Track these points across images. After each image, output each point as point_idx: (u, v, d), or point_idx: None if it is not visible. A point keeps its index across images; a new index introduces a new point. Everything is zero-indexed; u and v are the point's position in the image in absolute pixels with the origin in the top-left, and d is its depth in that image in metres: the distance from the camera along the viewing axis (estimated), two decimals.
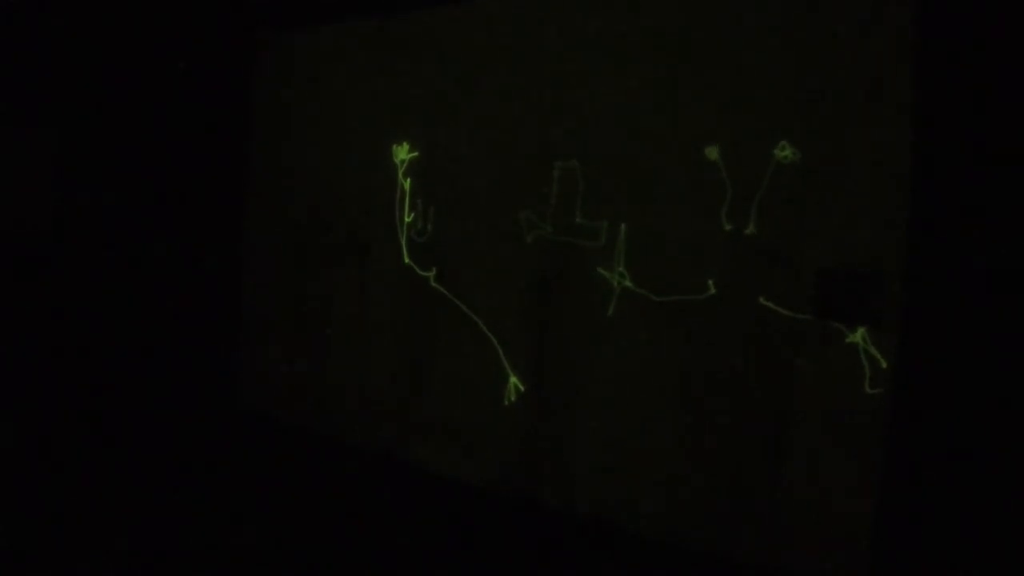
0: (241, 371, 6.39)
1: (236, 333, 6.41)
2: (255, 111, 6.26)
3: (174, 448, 5.83)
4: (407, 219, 5.21)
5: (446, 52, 5.02)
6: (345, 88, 5.62)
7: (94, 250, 6.67)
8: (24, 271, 6.55)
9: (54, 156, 6.57)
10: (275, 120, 6.13)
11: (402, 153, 5.23)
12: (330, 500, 5.12)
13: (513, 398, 4.69)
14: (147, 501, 4.89)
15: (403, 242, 5.23)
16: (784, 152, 3.68)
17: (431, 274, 5.09)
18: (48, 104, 6.51)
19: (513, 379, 4.69)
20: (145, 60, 6.54)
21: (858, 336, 3.49)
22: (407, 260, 5.21)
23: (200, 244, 6.52)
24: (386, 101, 5.35)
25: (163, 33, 6.46)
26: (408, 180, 5.20)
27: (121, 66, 6.55)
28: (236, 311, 6.41)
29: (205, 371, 6.50)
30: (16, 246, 6.53)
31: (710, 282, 3.95)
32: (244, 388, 6.38)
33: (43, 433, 5.87)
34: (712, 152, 3.92)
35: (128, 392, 6.56)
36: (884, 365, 3.43)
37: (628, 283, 4.23)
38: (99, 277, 6.67)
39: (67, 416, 6.21)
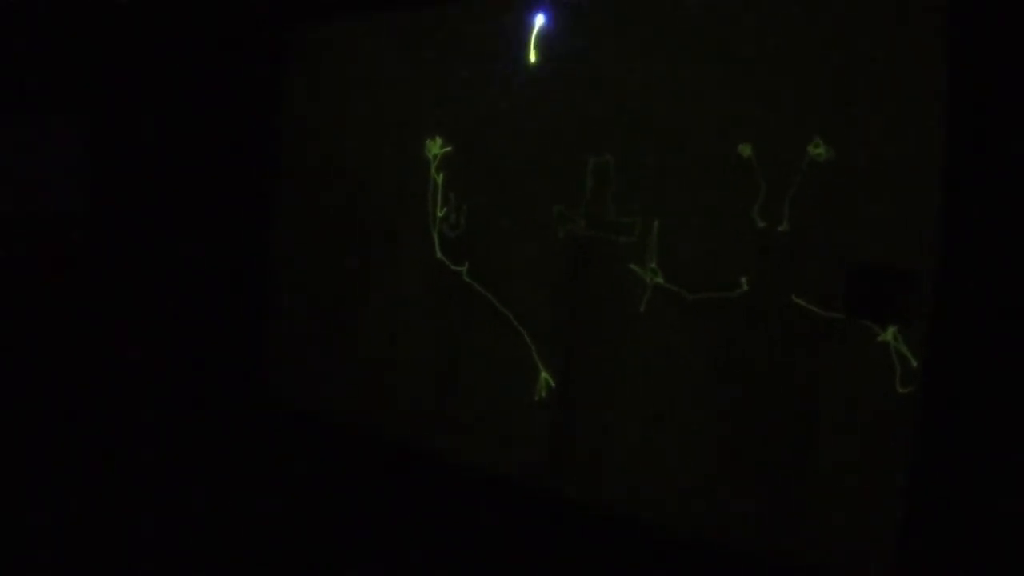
0: (271, 362, 6.48)
1: (266, 324, 6.49)
2: (286, 103, 6.33)
3: (202, 438, 5.92)
4: (440, 213, 5.26)
5: (479, 45, 5.06)
6: (377, 81, 5.67)
7: (125, 240, 6.76)
8: (58, 258, 6.65)
9: (87, 146, 6.67)
10: (306, 113, 6.20)
11: (435, 147, 5.27)
12: (359, 491, 5.17)
13: (544, 394, 4.72)
14: (174, 491, 4.96)
15: (435, 236, 5.28)
16: (818, 149, 3.70)
17: (463, 268, 5.13)
18: (82, 95, 6.60)
19: (544, 374, 4.72)
20: (177, 52, 6.61)
21: (889, 335, 3.51)
22: (439, 254, 5.26)
23: (230, 236, 6.59)
24: (419, 94, 5.40)
25: (194, 26, 6.53)
26: (441, 174, 5.25)
27: (153, 57, 6.63)
28: (266, 303, 6.49)
29: (235, 362, 6.58)
30: (51, 233, 6.63)
31: (743, 279, 3.97)
32: (274, 379, 6.46)
33: (66, 423, 5.95)
34: (745, 149, 3.94)
35: (157, 381, 6.65)
36: (915, 364, 3.45)
37: (660, 279, 4.26)
38: (130, 267, 6.76)
39: (93, 406, 6.29)
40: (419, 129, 5.37)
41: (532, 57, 4.75)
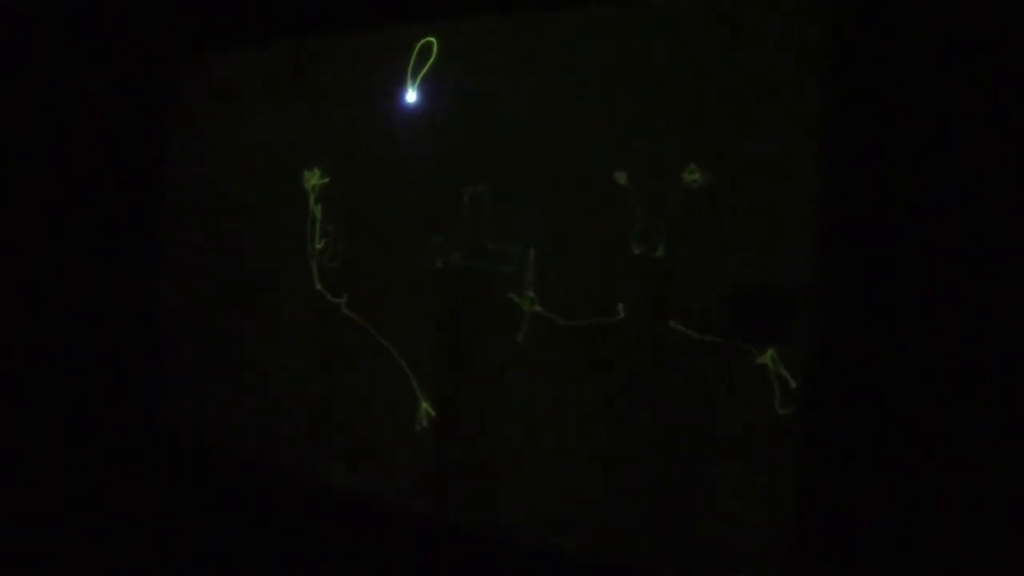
0: (158, 395, 6.11)
1: (152, 357, 6.14)
2: (172, 134, 6.02)
3: (88, 472, 5.62)
4: (318, 245, 5.05)
5: (358, 76, 4.91)
6: (258, 111, 5.44)
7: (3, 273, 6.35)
8: None
9: None
10: (192, 144, 5.90)
11: (314, 179, 5.08)
12: (244, 524, 4.98)
13: (425, 424, 4.55)
14: (60, 526, 4.68)
15: (314, 268, 5.08)
16: (693, 175, 3.63)
17: (342, 300, 4.93)
18: None
19: (424, 405, 4.55)
20: (59, 78, 6.26)
21: (767, 357, 3.45)
22: (318, 286, 5.05)
23: (113, 267, 6.24)
24: (299, 125, 5.20)
25: (78, 52, 6.19)
26: (319, 206, 5.06)
27: (33, 83, 6.26)
28: (152, 335, 6.14)
29: (121, 396, 6.21)
30: None
31: (620, 306, 3.87)
32: (161, 412, 6.08)
33: None
34: (621, 177, 3.85)
35: (43, 415, 6.25)
36: (793, 385, 3.39)
37: (538, 308, 4.14)
38: (9, 298, 6.35)
39: None
40: (298, 160, 5.16)
41: (410, 91, 4.61)
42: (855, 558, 3.26)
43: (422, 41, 4.58)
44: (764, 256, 3.47)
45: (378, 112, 4.79)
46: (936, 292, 3.13)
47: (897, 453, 3.18)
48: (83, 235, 6.24)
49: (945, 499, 3.11)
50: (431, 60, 4.56)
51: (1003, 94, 3.03)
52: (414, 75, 4.62)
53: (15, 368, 6.14)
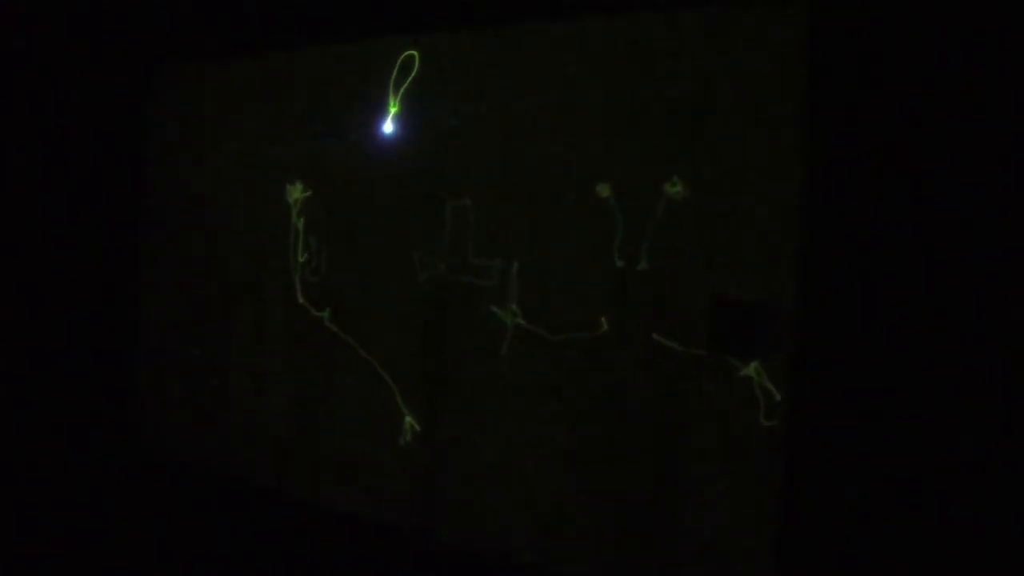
0: (141, 409, 6.04)
1: (133, 369, 6.07)
2: (153, 144, 5.97)
3: (65, 484, 5.55)
4: (301, 259, 5.00)
5: (338, 89, 4.86)
6: (242, 124, 5.39)
7: None
8: None
9: None
10: (171, 155, 5.85)
11: (296, 192, 5.03)
12: (225, 538, 4.95)
13: (409, 438, 4.49)
14: (36, 538, 4.60)
15: (297, 282, 5.02)
16: (675, 188, 3.59)
17: (325, 314, 4.87)
18: None
19: (409, 419, 4.49)
20: (37, 88, 6.17)
21: (751, 369, 3.41)
22: (301, 300, 5.00)
23: (93, 280, 6.16)
24: (281, 139, 5.15)
25: (56, 61, 6.11)
26: (302, 219, 5.00)
27: (12, 92, 6.17)
28: (133, 347, 6.07)
29: (102, 409, 6.13)
30: None
31: (603, 319, 3.82)
32: (144, 425, 6.02)
33: None
34: (604, 189, 3.81)
35: (21, 426, 6.15)
36: (778, 398, 3.35)
37: (521, 321, 4.09)
38: None
39: None
40: (281, 173, 5.11)
41: (393, 104, 4.55)
42: (841, 569, 3.22)
43: (404, 54, 4.54)
44: (747, 269, 3.43)
45: (361, 127, 4.74)
46: (919, 304, 3.10)
47: (882, 465, 3.14)
48: (63, 248, 6.15)
49: (931, 510, 3.08)
50: (413, 73, 4.52)
51: (987, 103, 3.00)
52: (396, 88, 4.58)
53: None
